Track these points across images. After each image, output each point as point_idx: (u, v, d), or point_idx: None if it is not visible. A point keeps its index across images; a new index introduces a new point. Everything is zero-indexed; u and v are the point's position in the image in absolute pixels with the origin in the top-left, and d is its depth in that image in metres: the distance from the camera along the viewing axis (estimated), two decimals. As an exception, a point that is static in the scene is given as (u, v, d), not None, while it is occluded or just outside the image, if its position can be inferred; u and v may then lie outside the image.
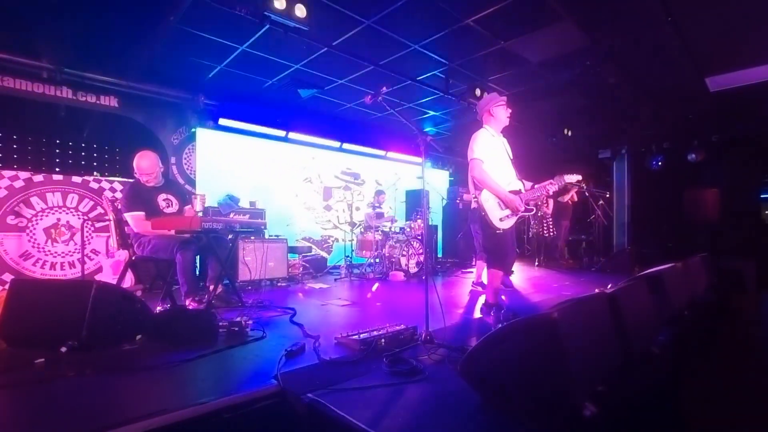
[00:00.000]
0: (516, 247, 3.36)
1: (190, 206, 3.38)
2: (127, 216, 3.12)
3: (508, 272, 3.15)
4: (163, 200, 3.29)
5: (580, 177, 3.15)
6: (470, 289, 4.39)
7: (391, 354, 2.02)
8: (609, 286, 2.10)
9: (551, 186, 3.01)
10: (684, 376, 2.29)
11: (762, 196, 7.16)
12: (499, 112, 3.02)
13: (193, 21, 3.48)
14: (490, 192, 2.87)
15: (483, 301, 3.23)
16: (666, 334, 2.39)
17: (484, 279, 4.44)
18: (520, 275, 5.71)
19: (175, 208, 3.34)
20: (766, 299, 4.90)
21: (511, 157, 3.08)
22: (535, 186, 3.04)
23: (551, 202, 6.82)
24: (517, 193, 2.89)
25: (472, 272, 6.08)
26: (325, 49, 3.94)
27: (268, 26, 3.47)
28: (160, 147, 5.21)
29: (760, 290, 5.14)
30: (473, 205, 3.07)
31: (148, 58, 4.19)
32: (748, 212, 6.96)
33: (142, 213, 3.09)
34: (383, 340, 2.16)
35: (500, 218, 2.87)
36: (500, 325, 1.58)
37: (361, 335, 2.19)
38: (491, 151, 2.92)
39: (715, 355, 2.95)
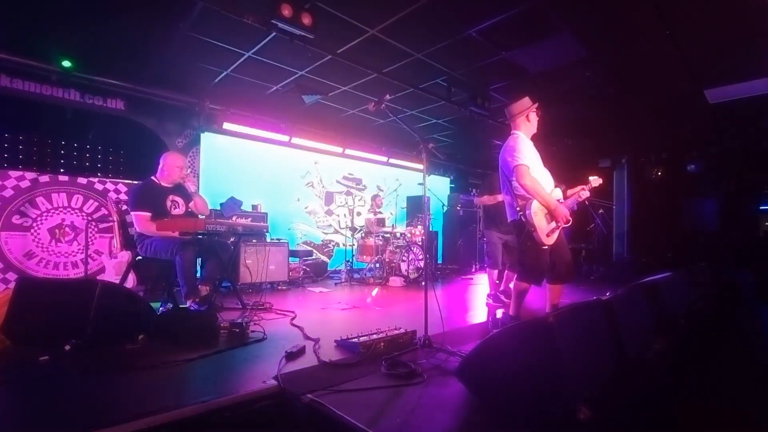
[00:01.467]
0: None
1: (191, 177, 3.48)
2: (133, 214, 3.16)
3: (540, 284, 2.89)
4: (171, 201, 3.34)
5: (601, 180, 3.07)
6: (486, 302, 3.86)
7: (389, 357, 2.05)
8: (607, 294, 2.13)
9: (584, 192, 2.91)
10: (679, 384, 2.31)
11: (761, 207, 7.20)
12: (534, 118, 2.87)
13: (201, 27, 3.55)
14: (540, 204, 2.62)
15: (500, 314, 3.03)
16: (662, 342, 2.41)
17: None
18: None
19: (181, 209, 3.39)
20: (763, 310, 4.91)
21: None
22: (569, 192, 2.92)
23: None
24: (559, 202, 2.72)
25: (471, 279, 6.11)
26: (330, 56, 4.01)
27: (274, 34, 3.54)
28: (165, 150, 5.26)
29: (758, 301, 5.16)
30: (512, 216, 2.79)
31: (156, 62, 4.26)
32: (747, 223, 6.99)
33: (149, 213, 3.13)
34: (382, 344, 2.19)
35: (547, 233, 2.63)
36: (497, 330, 1.62)
37: (361, 338, 2.22)
38: (533, 157, 2.70)
39: (711, 364, 2.96)
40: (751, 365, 3.02)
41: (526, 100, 2.88)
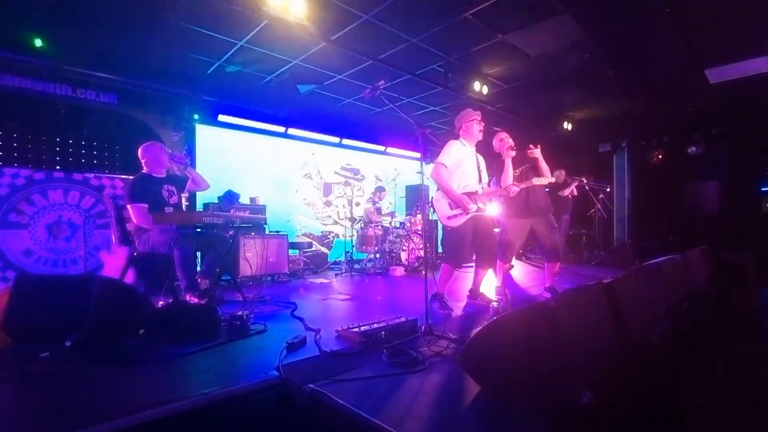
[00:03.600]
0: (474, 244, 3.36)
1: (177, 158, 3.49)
2: (130, 207, 3.14)
3: (458, 267, 3.29)
4: (166, 191, 3.33)
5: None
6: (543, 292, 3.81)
7: (391, 346, 2.04)
8: (609, 278, 2.11)
9: (509, 190, 3.21)
10: (682, 367, 2.32)
11: (762, 188, 7.15)
12: (471, 128, 3.23)
13: (191, 16, 3.48)
14: (442, 193, 3.16)
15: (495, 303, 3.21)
16: (664, 324, 2.40)
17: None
18: (520, 269, 5.73)
19: (176, 198, 3.39)
20: (765, 292, 4.92)
21: (481, 169, 3.28)
22: (488, 191, 3.27)
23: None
24: (471, 194, 3.13)
25: (472, 267, 6.10)
26: (324, 43, 3.94)
27: (266, 21, 3.47)
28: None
29: (760, 283, 5.15)
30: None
31: (147, 54, 4.18)
32: (748, 205, 6.96)
33: (146, 205, 3.12)
34: (384, 333, 2.18)
35: (448, 217, 3.17)
36: (498, 316, 1.60)
37: (362, 328, 2.21)
38: (458, 157, 3.16)
39: (714, 346, 2.97)
40: (754, 347, 3.03)
41: (467, 112, 3.28)
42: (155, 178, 3.31)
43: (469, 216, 3.09)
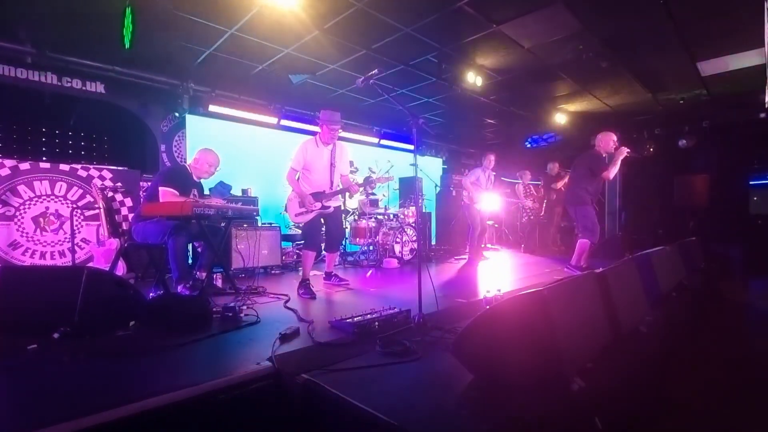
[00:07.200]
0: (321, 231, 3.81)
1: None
2: (161, 190, 3.17)
3: (318, 252, 3.80)
4: (192, 194, 3.38)
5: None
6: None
7: (384, 336, 2.04)
8: (600, 269, 2.13)
9: (352, 190, 3.73)
10: (671, 355, 2.35)
11: (750, 182, 7.26)
12: (332, 133, 3.51)
13: (180, 2, 3.39)
14: (294, 192, 3.56)
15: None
16: (654, 314, 2.44)
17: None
18: (512, 261, 5.77)
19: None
20: (751, 283, 5.01)
21: (335, 164, 3.57)
22: (337, 190, 3.63)
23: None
24: (319, 194, 3.51)
25: (465, 259, 6.13)
26: (316, 32, 3.88)
27: (257, 8, 3.40)
28: (149, 134, 5.13)
29: (746, 274, 5.26)
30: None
31: (135, 42, 4.08)
32: (737, 198, 7.06)
33: (176, 191, 3.16)
34: (377, 324, 2.18)
35: (296, 214, 3.58)
36: (490, 306, 1.60)
37: (355, 319, 2.21)
38: (309, 159, 3.51)
39: (702, 335, 3.02)
40: (740, 336, 3.09)
41: (334, 117, 3.51)
42: (192, 177, 3.41)
43: (314, 213, 3.50)
